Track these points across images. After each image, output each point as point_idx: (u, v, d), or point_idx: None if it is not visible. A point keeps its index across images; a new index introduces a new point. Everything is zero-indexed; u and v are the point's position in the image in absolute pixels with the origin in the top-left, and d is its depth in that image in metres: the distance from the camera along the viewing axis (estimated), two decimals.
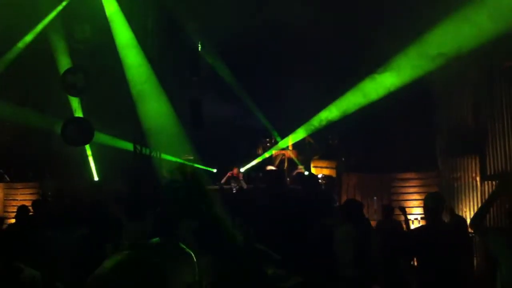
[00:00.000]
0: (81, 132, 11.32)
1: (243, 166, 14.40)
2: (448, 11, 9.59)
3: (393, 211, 9.03)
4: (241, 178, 13.56)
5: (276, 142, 14.53)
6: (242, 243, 3.82)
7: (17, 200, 12.69)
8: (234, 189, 12.42)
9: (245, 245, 3.77)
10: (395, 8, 10.35)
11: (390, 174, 11.59)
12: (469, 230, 5.51)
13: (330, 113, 12.95)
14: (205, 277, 3.50)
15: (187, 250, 4.02)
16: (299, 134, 13.85)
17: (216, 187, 12.40)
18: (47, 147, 12.54)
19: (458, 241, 4.99)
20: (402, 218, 8.23)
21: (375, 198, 11.11)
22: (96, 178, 13.31)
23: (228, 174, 13.67)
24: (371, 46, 10.79)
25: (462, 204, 10.15)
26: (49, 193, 12.22)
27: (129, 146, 12.70)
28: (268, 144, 14.93)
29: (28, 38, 12.30)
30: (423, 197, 5.36)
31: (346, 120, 12.54)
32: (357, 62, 11.23)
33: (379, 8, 10.61)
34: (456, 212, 9.88)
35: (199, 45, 13.09)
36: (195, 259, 3.97)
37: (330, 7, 11.09)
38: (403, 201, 11.16)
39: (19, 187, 13.16)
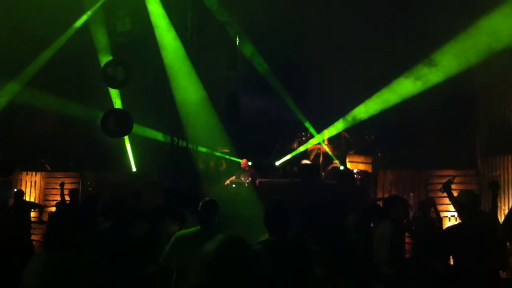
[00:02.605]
0: (120, 123, 11.51)
1: (278, 159, 14.41)
2: (493, 3, 9.39)
3: (429, 207, 8.89)
4: (247, 169, 12.81)
5: (312, 136, 14.41)
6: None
7: (57, 189, 12.97)
8: (246, 183, 12.24)
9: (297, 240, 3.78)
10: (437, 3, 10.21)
11: (427, 171, 11.44)
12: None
13: (367, 108, 12.85)
14: None
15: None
16: (335, 129, 13.78)
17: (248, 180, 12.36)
18: (87, 138, 12.78)
19: (493, 239, 4.91)
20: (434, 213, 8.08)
21: (411, 194, 10.98)
22: (134, 169, 13.52)
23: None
24: (411, 40, 10.67)
25: (500, 202, 9.97)
26: (89, 183, 12.50)
27: (166, 138, 12.88)
28: (303, 138, 14.88)
29: (71, 31, 12.57)
30: None
31: (382, 115, 12.44)
32: (396, 57, 11.12)
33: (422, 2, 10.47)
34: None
35: (237, 39, 13.14)
36: None
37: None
38: (440, 198, 11.02)
39: (59, 176, 13.43)
